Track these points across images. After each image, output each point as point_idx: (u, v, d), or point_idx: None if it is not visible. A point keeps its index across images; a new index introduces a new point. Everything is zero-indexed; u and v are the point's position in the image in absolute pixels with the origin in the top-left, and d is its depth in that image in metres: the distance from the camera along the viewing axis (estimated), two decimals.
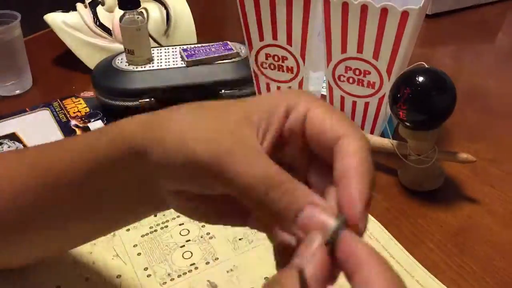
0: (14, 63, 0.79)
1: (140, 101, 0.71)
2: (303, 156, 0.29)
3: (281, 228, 0.26)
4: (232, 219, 0.32)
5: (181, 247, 0.51)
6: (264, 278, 0.47)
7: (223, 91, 0.72)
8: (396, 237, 0.52)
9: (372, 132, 0.65)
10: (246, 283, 0.47)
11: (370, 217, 0.54)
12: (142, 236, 0.52)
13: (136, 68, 0.73)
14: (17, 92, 0.80)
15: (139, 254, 0.50)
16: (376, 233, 0.52)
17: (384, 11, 0.54)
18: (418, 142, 0.55)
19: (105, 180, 0.33)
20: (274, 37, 0.63)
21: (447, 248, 0.51)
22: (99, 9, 0.84)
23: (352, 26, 0.57)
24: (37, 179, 0.34)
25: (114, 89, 0.71)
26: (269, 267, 0.45)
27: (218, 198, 0.30)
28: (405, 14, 0.53)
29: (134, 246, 0.51)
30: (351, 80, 0.62)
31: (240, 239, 0.52)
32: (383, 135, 0.66)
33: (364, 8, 0.55)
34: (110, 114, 0.74)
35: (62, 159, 0.34)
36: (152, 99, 0.70)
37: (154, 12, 0.84)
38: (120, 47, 0.82)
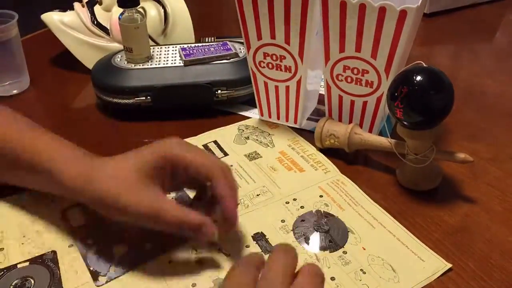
0: (12, 63, 0.79)
1: (135, 99, 0.70)
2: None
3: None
4: None
5: None
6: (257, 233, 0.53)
7: (219, 91, 0.71)
8: None
9: (370, 131, 0.65)
10: (243, 241, 0.52)
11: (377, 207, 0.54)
12: None
13: (134, 66, 0.72)
14: (15, 92, 0.80)
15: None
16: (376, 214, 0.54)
17: (382, 10, 0.54)
18: (416, 141, 0.55)
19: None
20: (272, 36, 0.62)
21: (445, 247, 0.51)
22: (97, 9, 0.84)
23: (350, 25, 0.57)
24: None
25: (111, 86, 0.71)
26: (261, 227, 0.53)
27: None
28: (403, 13, 0.53)
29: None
30: (349, 79, 0.62)
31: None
32: (381, 134, 0.66)
33: (362, 7, 0.55)
34: (109, 111, 0.74)
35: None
36: (148, 97, 0.70)
37: (152, 11, 0.84)
38: (118, 46, 0.82)
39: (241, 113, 0.74)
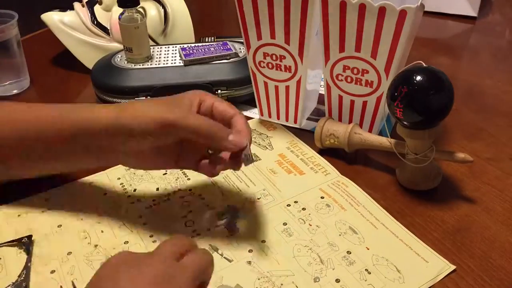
0: (12, 62, 0.79)
1: (135, 99, 0.70)
2: None
3: (221, 146, 0.48)
4: (168, 164, 0.52)
5: (183, 217, 0.55)
6: (262, 241, 0.52)
7: (219, 91, 0.71)
8: None
9: (370, 131, 0.65)
10: (245, 246, 0.51)
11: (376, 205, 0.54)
12: (146, 208, 0.56)
13: (134, 66, 0.73)
14: (15, 92, 0.80)
15: (144, 224, 0.54)
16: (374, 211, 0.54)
17: (382, 10, 0.54)
18: (416, 141, 0.55)
19: (77, 144, 0.50)
20: (272, 36, 0.62)
21: (445, 246, 0.51)
22: (97, 8, 0.84)
23: (350, 25, 0.57)
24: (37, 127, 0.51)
25: (111, 86, 0.71)
26: (266, 232, 0.52)
27: (161, 151, 0.49)
28: (403, 13, 0.53)
29: (139, 217, 0.55)
30: (349, 79, 0.62)
31: None
32: (381, 133, 0.66)
33: (362, 7, 0.55)
34: None
35: (53, 121, 0.51)
36: (148, 97, 0.70)
37: (152, 11, 0.84)
38: (118, 46, 0.82)
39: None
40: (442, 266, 0.48)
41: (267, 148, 0.66)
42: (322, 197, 0.57)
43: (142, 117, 0.47)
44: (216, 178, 0.60)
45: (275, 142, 0.67)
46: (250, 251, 0.50)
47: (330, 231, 0.52)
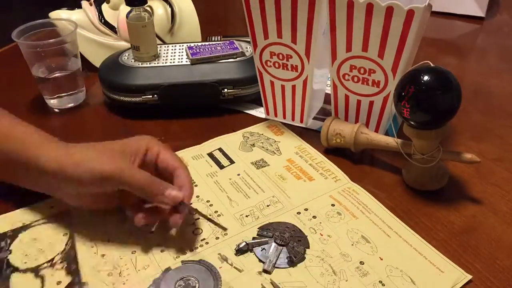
0: None
1: (142, 97, 0.71)
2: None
3: (156, 201, 0.49)
4: (109, 205, 0.54)
5: (191, 224, 0.54)
6: None
7: (225, 90, 0.72)
8: None
9: (376, 131, 0.65)
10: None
11: (379, 205, 0.54)
12: None
13: (141, 64, 0.73)
14: None
15: (151, 232, 0.52)
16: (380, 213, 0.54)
17: (390, 10, 0.54)
18: (422, 141, 0.55)
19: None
20: (279, 35, 0.63)
21: (451, 247, 0.51)
22: (104, 7, 0.84)
23: (357, 25, 0.57)
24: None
25: (118, 84, 0.72)
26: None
27: (102, 195, 0.51)
28: (410, 13, 0.53)
29: (146, 225, 0.52)
30: (356, 79, 0.62)
31: (246, 216, 0.55)
32: (387, 133, 0.66)
33: (369, 7, 0.55)
34: (116, 109, 0.74)
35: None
36: (155, 95, 0.71)
37: (159, 10, 0.84)
38: (125, 45, 0.82)
39: (247, 111, 0.74)
40: (457, 276, 0.47)
41: (275, 153, 0.65)
42: (332, 205, 0.56)
43: (83, 167, 0.48)
44: (224, 185, 0.59)
45: (283, 147, 0.66)
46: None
47: (342, 241, 0.51)
